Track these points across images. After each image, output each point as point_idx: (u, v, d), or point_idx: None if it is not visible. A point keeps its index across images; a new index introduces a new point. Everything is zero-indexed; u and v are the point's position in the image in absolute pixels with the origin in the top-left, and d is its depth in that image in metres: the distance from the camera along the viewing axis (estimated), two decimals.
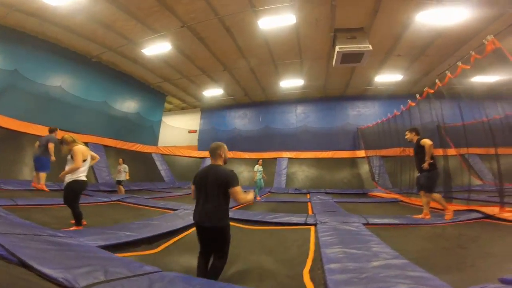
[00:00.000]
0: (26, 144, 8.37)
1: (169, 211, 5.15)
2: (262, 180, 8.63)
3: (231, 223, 2.31)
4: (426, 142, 4.27)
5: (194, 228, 3.90)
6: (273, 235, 3.61)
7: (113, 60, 11.31)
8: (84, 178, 3.49)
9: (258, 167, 8.61)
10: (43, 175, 5.85)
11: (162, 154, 14.54)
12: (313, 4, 7.30)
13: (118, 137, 12.10)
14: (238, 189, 2.17)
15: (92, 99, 11.10)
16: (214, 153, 2.36)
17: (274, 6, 7.39)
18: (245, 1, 7.29)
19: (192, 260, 2.55)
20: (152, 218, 4.24)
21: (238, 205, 6.41)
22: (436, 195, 4.29)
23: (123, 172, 8.27)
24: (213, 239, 2.21)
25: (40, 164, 5.80)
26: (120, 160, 8.56)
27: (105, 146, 11.15)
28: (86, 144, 9.77)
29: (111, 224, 3.84)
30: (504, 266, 2.22)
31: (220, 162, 2.35)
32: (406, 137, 4.73)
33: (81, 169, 3.46)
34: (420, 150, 4.36)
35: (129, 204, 5.91)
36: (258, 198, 8.30)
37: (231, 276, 2.29)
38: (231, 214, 4.59)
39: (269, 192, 11.06)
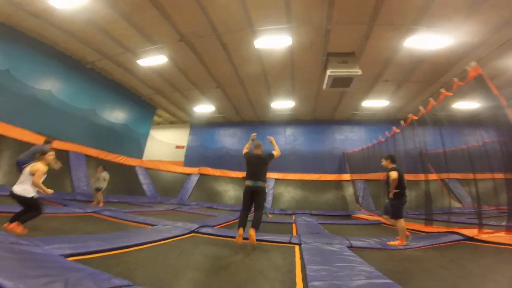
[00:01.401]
0: (4, 148, 7.94)
1: (147, 226, 4.88)
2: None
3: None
4: (391, 175, 4.37)
5: (171, 240, 3.77)
6: (259, 252, 3.47)
7: (107, 68, 11.26)
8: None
9: None
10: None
11: (146, 167, 14.13)
12: (309, 27, 7.67)
13: (102, 147, 11.73)
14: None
15: (81, 106, 10.88)
16: (259, 146, 4.48)
17: (271, 27, 7.71)
18: (244, 20, 7.58)
19: (165, 272, 2.39)
20: (128, 231, 4.00)
21: (222, 224, 6.23)
22: (401, 223, 4.25)
23: (103, 180, 7.88)
24: (257, 193, 4.03)
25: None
26: (100, 167, 8.16)
27: (87, 156, 10.73)
28: (67, 152, 9.36)
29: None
30: (485, 286, 2.23)
31: (261, 152, 4.40)
32: (382, 164, 4.77)
33: None
34: (389, 179, 4.46)
35: (105, 217, 5.57)
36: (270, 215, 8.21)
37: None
38: (212, 231, 4.45)
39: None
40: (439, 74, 9.72)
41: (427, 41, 7.68)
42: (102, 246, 2.81)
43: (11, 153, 7.90)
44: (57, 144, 9.33)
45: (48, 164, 3.74)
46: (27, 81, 8.87)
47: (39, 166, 3.56)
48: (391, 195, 4.37)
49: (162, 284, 2.10)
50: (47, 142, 6.03)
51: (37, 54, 9.17)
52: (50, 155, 3.79)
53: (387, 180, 4.55)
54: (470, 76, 4.41)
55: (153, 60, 9.87)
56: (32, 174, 3.48)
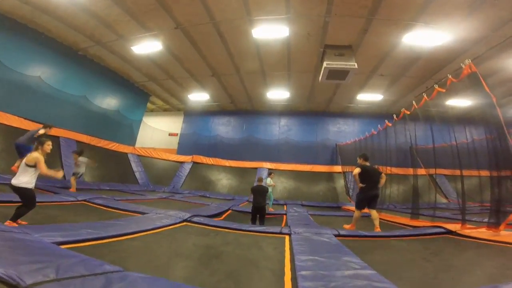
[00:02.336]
0: None
1: (139, 214, 4.89)
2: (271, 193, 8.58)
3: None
4: (354, 171, 5.00)
5: (163, 228, 3.81)
6: (250, 242, 3.56)
7: (99, 55, 10.94)
8: None
9: (270, 180, 8.69)
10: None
11: (138, 155, 14.02)
12: (307, 18, 7.56)
13: (94, 133, 11.56)
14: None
15: (72, 92, 10.64)
16: (261, 180, 6.46)
17: (269, 17, 7.57)
18: (242, 9, 7.41)
19: (157, 259, 2.44)
20: (120, 219, 4.02)
21: (215, 213, 6.32)
22: (356, 212, 5.09)
23: (83, 165, 7.68)
24: (261, 211, 6.01)
25: (24, 150, 5.59)
26: (75, 154, 7.87)
27: (78, 142, 10.57)
28: (57, 137, 9.22)
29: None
30: (464, 278, 2.34)
31: (261, 183, 6.33)
32: (358, 162, 5.27)
33: None
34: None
35: (97, 205, 5.56)
36: (271, 209, 8.26)
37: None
38: (204, 221, 4.51)
39: (247, 201, 10.95)
40: (434, 70, 9.79)
41: (425, 37, 7.68)
42: (93, 234, 2.83)
43: (1, 139, 7.79)
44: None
45: (45, 154, 3.60)
46: (16, 67, 8.62)
47: (36, 155, 3.42)
48: (358, 188, 4.98)
49: (154, 272, 2.14)
50: (45, 127, 6.30)
51: (26, 40, 8.86)
52: (48, 145, 3.68)
53: None
54: (464, 74, 4.45)
55: (148, 47, 9.62)
56: (28, 165, 3.36)
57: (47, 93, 9.68)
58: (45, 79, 9.60)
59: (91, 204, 5.56)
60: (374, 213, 4.90)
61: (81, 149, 8.53)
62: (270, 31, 8.12)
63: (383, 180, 5.08)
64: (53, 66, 9.96)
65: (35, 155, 3.41)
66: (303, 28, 8.02)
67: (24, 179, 3.32)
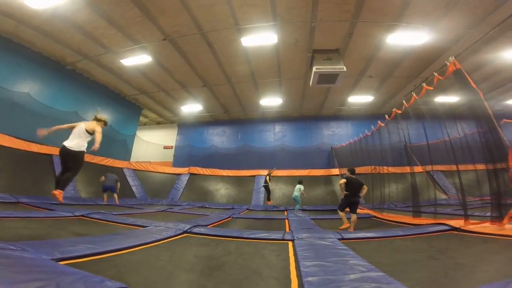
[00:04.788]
0: None
1: (138, 227, 4.79)
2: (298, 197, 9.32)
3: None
4: (340, 181, 5.99)
5: (164, 241, 3.72)
6: (252, 250, 3.49)
7: (88, 69, 10.90)
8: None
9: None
10: (116, 195, 9.68)
11: (134, 169, 13.84)
12: (294, 25, 7.73)
13: (86, 150, 11.37)
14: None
15: (62, 109, 10.48)
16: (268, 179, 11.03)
17: (257, 25, 7.70)
18: (230, 19, 7.53)
19: (159, 273, 2.36)
20: (119, 233, 3.91)
21: (215, 223, 6.21)
22: (340, 213, 5.92)
23: None
24: (268, 190, 11.18)
25: (111, 189, 9.59)
26: None
27: None
28: (50, 156, 9.12)
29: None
30: (475, 276, 2.29)
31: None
32: (345, 173, 6.09)
33: None
34: None
35: (95, 220, 5.43)
36: (299, 213, 8.82)
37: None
38: (205, 231, 4.41)
39: (247, 209, 10.85)
40: (420, 69, 10.05)
41: (408, 37, 7.94)
42: (93, 249, 2.74)
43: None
44: (39, 148, 9.02)
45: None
46: (2, 84, 8.48)
47: (95, 125, 4.08)
48: (343, 195, 5.94)
49: (156, 287, 2.08)
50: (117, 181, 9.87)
51: (12, 55, 8.76)
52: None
53: None
54: (449, 71, 4.56)
55: (137, 59, 9.66)
56: (88, 131, 4.01)
57: (37, 110, 9.52)
58: (34, 95, 9.47)
59: (89, 219, 5.42)
60: (354, 217, 5.64)
61: None
62: (259, 39, 8.26)
63: (364, 190, 5.83)
64: (42, 81, 9.85)
65: (94, 125, 4.14)
66: (291, 34, 8.18)
67: (82, 143, 3.93)
